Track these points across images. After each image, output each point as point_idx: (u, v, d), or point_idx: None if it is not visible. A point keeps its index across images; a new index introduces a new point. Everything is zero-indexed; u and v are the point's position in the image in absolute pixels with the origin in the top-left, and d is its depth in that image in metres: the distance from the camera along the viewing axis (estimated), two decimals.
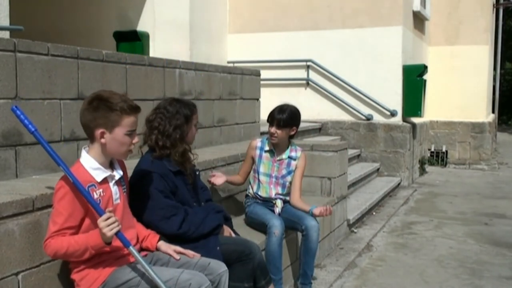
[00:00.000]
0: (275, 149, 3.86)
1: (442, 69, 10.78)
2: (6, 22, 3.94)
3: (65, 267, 2.42)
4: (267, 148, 3.88)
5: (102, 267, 2.32)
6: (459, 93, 10.78)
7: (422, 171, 9.88)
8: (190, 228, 2.83)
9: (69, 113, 3.17)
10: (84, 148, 2.38)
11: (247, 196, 3.98)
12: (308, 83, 8.65)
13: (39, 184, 2.65)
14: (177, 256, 2.59)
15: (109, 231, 2.16)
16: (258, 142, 3.93)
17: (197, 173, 3.19)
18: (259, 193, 3.86)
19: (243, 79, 5.44)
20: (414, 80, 8.28)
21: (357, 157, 8.37)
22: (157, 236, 2.66)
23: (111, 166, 2.42)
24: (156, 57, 4.22)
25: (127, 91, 3.69)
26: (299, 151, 3.94)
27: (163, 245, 2.63)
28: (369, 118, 8.36)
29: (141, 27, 7.78)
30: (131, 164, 2.88)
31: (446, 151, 10.86)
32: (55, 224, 2.19)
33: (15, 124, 2.79)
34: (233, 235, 3.17)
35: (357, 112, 8.43)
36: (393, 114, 8.26)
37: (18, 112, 2.26)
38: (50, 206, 2.34)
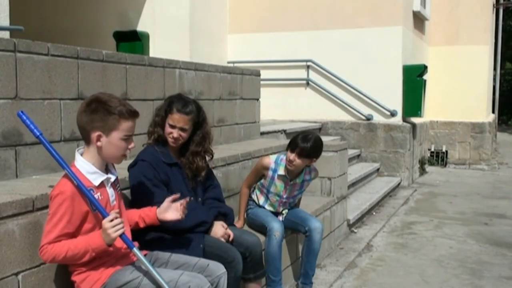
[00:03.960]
0: (289, 174, 3.67)
1: (442, 69, 10.78)
2: (6, 22, 3.94)
3: (66, 267, 2.41)
4: (280, 172, 3.66)
5: (102, 269, 2.32)
6: (459, 93, 10.77)
7: (422, 171, 9.88)
8: None
9: (69, 113, 3.16)
10: (77, 151, 2.36)
11: (250, 198, 3.87)
12: (308, 83, 8.64)
13: (39, 184, 2.65)
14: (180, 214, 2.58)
15: (114, 232, 2.18)
16: (271, 163, 3.68)
17: (206, 170, 3.14)
18: (265, 206, 3.79)
19: (243, 79, 5.43)
20: (414, 80, 8.28)
21: (357, 157, 8.37)
22: (154, 209, 2.60)
23: (106, 168, 2.42)
24: (156, 57, 4.21)
25: (127, 91, 3.69)
26: (313, 172, 3.82)
27: (161, 212, 2.58)
28: (369, 118, 8.35)
29: (141, 27, 7.78)
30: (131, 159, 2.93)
31: (446, 151, 10.86)
32: (52, 231, 2.17)
33: (15, 124, 2.79)
34: (229, 230, 3.04)
35: (357, 112, 8.43)
36: (393, 114, 8.26)
37: (24, 117, 2.30)
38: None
